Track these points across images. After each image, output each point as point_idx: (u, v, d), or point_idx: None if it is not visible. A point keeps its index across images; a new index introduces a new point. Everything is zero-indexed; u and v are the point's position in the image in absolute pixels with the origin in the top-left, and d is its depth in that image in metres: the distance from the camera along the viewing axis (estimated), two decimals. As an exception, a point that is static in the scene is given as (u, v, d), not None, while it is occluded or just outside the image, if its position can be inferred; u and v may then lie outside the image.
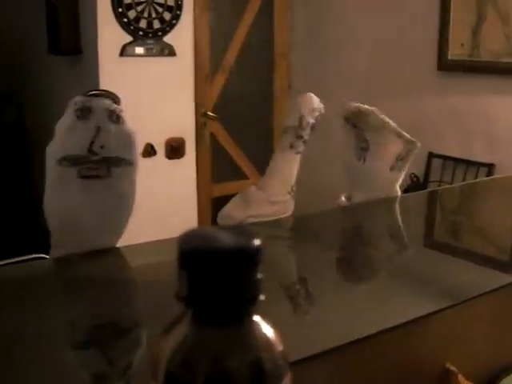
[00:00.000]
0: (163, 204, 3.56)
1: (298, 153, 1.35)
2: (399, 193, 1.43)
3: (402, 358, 0.79)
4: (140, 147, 3.50)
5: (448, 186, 3.24)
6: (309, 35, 4.37)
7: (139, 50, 3.50)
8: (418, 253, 1.14)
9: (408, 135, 1.39)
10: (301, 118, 1.35)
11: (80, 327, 0.83)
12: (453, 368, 0.81)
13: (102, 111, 1.02)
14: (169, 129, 3.65)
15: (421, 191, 2.60)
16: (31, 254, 1.57)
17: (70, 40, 3.59)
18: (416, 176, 3.58)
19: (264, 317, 0.38)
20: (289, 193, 1.36)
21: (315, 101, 1.39)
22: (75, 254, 1.03)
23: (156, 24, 3.53)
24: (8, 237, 3.88)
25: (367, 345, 0.74)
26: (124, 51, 3.46)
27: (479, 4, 3.40)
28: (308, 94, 1.40)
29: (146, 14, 3.49)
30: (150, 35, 3.52)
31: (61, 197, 1.03)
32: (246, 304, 0.36)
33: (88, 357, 0.75)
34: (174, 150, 3.69)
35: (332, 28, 4.23)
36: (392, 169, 1.38)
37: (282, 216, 1.34)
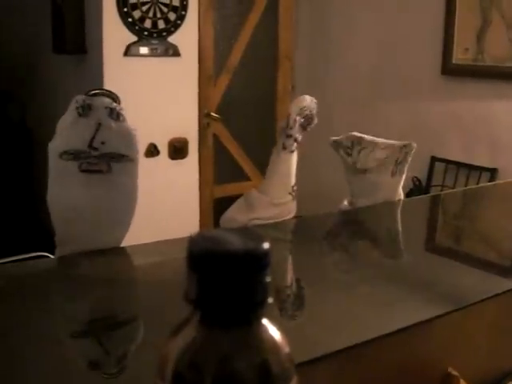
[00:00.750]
0: (165, 204, 3.56)
1: (291, 152, 1.36)
2: (402, 196, 1.44)
3: (404, 362, 0.79)
4: (143, 147, 3.50)
5: (451, 190, 3.24)
6: (313, 37, 4.37)
7: (144, 49, 3.50)
8: (420, 257, 1.14)
9: (399, 142, 1.40)
10: (288, 117, 1.36)
11: (79, 323, 0.83)
12: (455, 372, 0.81)
13: (102, 109, 1.05)
14: (172, 129, 3.65)
15: (423, 195, 2.60)
16: (34, 252, 1.58)
17: (75, 39, 3.59)
18: (418, 179, 3.58)
19: (270, 319, 0.38)
20: (290, 193, 1.36)
21: (306, 100, 1.39)
22: (78, 253, 1.03)
23: (161, 24, 3.53)
24: (11, 235, 3.89)
25: (369, 348, 0.74)
26: (128, 51, 3.46)
27: (484, 9, 3.40)
28: (302, 96, 1.41)
29: (150, 14, 3.49)
30: (155, 35, 3.52)
31: (63, 191, 1.06)
32: (254, 307, 0.36)
33: (85, 348, 0.75)
34: (177, 150, 3.69)
35: (336, 30, 4.23)
36: (393, 174, 1.39)
37: (285, 218, 1.35)
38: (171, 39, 3.58)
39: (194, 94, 3.72)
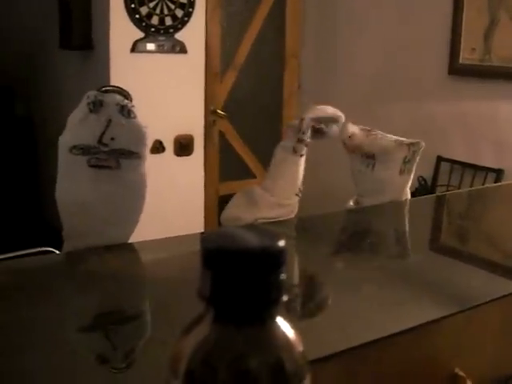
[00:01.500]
0: (170, 201, 3.56)
1: (301, 156, 1.36)
2: (409, 195, 1.44)
3: (411, 363, 0.79)
4: (149, 143, 3.50)
5: (456, 190, 3.23)
6: (320, 36, 4.37)
7: (150, 46, 3.50)
8: (427, 258, 1.14)
9: (408, 140, 1.39)
10: (301, 121, 1.35)
11: (87, 317, 0.83)
12: (461, 373, 0.81)
13: (113, 105, 1.06)
14: (178, 126, 3.65)
15: (429, 195, 2.60)
16: (39, 247, 1.58)
17: (82, 35, 3.59)
18: (424, 179, 3.57)
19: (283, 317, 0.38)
20: (296, 194, 1.36)
21: (326, 110, 1.37)
22: (85, 248, 1.04)
23: (168, 21, 3.53)
24: (16, 231, 3.89)
25: (376, 349, 0.74)
26: (135, 47, 3.46)
27: (492, 9, 3.39)
28: (323, 105, 1.39)
29: (158, 11, 3.49)
30: (162, 32, 3.52)
31: (71, 185, 1.06)
32: (269, 305, 0.36)
33: (93, 343, 0.76)
34: (183, 147, 3.69)
35: (343, 30, 4.22)
36: (401, 173, 1.39)
37: (287, 217, 1.35)
38: (178, 36, 3.57)
39: (200, 91, 3.72)
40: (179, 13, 3.55)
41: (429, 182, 3.64)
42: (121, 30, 3.40)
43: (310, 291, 0.98)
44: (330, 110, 1.36)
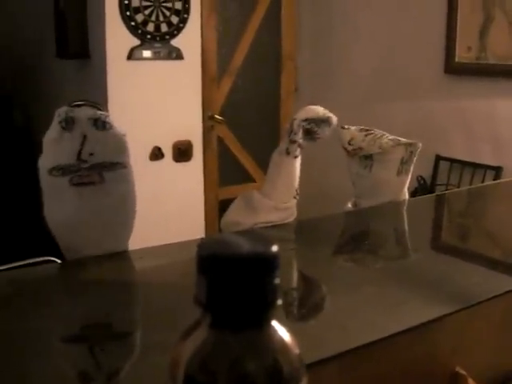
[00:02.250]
0: (170, 207, 3.57)
1: (295, 157, 1.35)
2: (407, 196, 1.44)
3: (412, 362, 0.79)
4: (147, 150, 3.51)
5: (456, 189, 3.24)
6: (315, 38, 4.37)
7: (147, 53, 3.51)
8: (427, 256, 1.14)
9: (405, 140, 1.39)
10: (292, 122, 1.34)
11: (82, 327, 0.83)
12: (462, 372, 0.81)
13: (86, 120, 1.03)
14: (176, 132, 3.66)
15: (429, 195, 2.60)
16: (39, 257, 1.58)
17: (78, 44, 3.60)
18: (423, 178, 3.58)
19: (278, 320, 0.38)
20: (294, 197, 1.36)
21: (317, 111, 1.36)
22: (85, 257, 1.04)
23: (164, 27, 3.54)
24: (15, 240, 3.89)
25: (376, 349, 0.74)
26: (132, 55, 3.47)
27: (486, 7, 3.40)
28: (314, 106, 1.39)
29: (153, 18, 3.50)
30: (158, 38, 3.53)
31: (57, 206, 1.04)
32: (264, 309, 0.36)
33: (92, 349, 0.76)
34: (182, 152, 3.70)
35: (339, 31, 4.23)
36: (399, 173, 1.39)
37: (287, 221, 1.35)
38: (174, 42, 3.58)
39: (197, 97, 3.72)
40: (175, 19, 3.56)
41: (428, 182, 3.65)
42: (117, 37, 3.41)
43: (310, 292, 0.98)
44: (320, 111, 1.36)
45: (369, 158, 1.39)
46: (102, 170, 1.04)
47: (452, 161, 3.61)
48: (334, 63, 4.29)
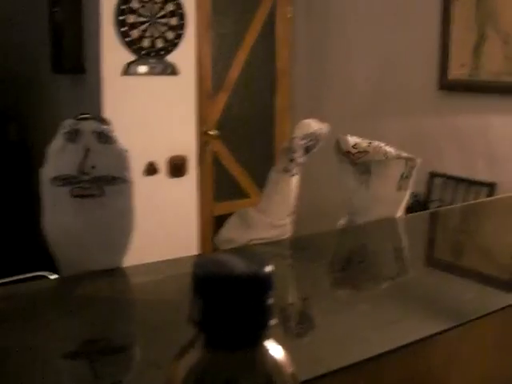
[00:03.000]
0: (165, 222, 3.56)
1: (293, 175, 1.35)
2: (402, 212, 1.44)
3: (406, 379, 0.79)
4: (142, 166, 3.51)
5: (451, 206, 3.24)
6: (310, 54, 4.40)
7: (142, 68, 3.52)
8: (421, 274, 1.14)
9: (405, 153, 1.39)
10: (291, 141, 1.35)
11: (76, 344, 0.83)
12: (457, 389, 0.81)
13: (90, 133, 1.05)
14: (171, 147, 3.66)
15: (423, 211, 2.61)
16: (33, 271, 1.58)
17: (74, 59, 3.61)
18: (417, 195, 3.58)
19: (273, 337, 0.38)
20: (289, 215, 1.37)
21: (312, 126, 1.38)
22: (79, 273, 1.03)
23: (159, 43, 3.55)
24: (10, 254, 3.88)
25: (370, 366, 0.74)
26: (127, 70, 3.48)
27: (480, 25, 3.43)
28: (307, 120, 1.40)
29: (148, 34, 3.52)
30: (153, 54, 3.54)
31: (55, 217, 1.05)
32: (258, 329, 0.36)
33: (87, 367, 0.75)
34: (177, 168, 3.70)
35: (333, 47, 4.26)
36: (399, 189, 1.38)
37: (281, 238, 1.35)
38: (169, 58, 3.60)
39: (192, 112, 3.73)
40: (170, 35, 3.58)
41: (422, 198, 3.66)
42: (112, 53, 3.42)
43: (305, 309, 0.98)
44: (315, 125, 1.37)
45: (366, 172, 1.38)
46: (103, 183, 1.05)
47: (446, 177, 3.62)
48: (329, 79, 4.31)
